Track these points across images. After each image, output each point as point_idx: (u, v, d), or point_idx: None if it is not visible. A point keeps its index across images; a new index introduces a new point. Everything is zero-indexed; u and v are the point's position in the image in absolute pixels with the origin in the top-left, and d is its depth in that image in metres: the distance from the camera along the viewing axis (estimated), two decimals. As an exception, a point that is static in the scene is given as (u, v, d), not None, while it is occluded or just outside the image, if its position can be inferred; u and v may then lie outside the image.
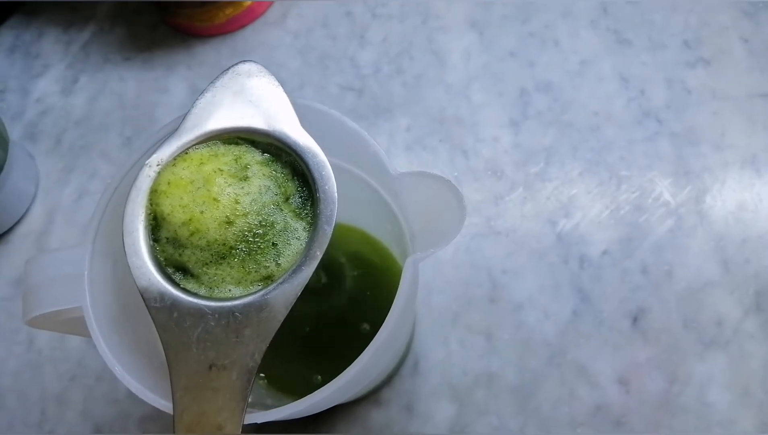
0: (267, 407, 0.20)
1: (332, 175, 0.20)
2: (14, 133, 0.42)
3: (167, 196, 0.20)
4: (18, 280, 0.39)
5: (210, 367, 0.18)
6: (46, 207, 0.40)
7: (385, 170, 0.21)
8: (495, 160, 0.38)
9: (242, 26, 0.43)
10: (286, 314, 0.19)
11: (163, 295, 0.19)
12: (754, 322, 0.33)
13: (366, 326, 0.32)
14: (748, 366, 0.32)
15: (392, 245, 0.32)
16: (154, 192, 0.20)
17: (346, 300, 0.33)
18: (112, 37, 0.45)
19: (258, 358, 0.19)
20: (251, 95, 0.21)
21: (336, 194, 0.20)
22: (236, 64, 0.22)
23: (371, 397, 0.33)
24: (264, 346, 0.19)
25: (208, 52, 0.43)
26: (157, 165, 0.20)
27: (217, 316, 0.19)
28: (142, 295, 0.19)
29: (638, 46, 0.40)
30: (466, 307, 0.35)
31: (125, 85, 0.43)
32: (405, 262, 0.20)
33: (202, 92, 0.21)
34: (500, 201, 0.37)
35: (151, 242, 0.20)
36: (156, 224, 0.20)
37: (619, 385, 0.32)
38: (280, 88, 0.21)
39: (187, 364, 0.18)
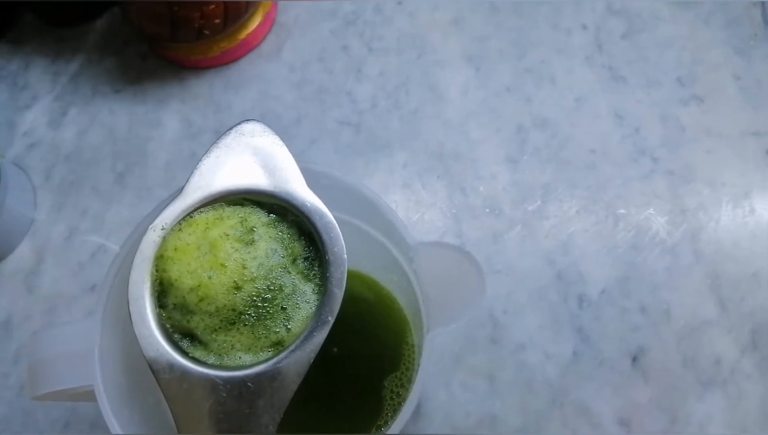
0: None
1: (341, 235, 0.20)
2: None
3: (174, 262, 0.20)
4: (6, 322, 0.37)
5: None
6: (36, 245, 0.39)
7: (402, 239, 0.21)
8: (493, 198, 0.38)
9: (236, 59, 0.42)
10: (299, 383, 0.19)
11: (172, 366, 0.19)
12: (750, 360, 0.33)
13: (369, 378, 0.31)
14: (745, 405, 0.32)
15: (398, 295, 0.32)
16: (159, 257, 0.20)
17: (349, 346, 0.33)
18: (101, 69, 0.44)
19: (273, 428, 0.19)
20: (255, 155, 0.21)
21: (345, 256, 0.20)
22: (239, 123, 0.21)
23: (375, 442, 0.33)
24: (278, 416, 0.19)
25: (201, 85, 0.42)
26: (162, 229, 0.20)
27: (228, 386, 0.19)
28: (150, 366, 0.19)
29: (633, 83, 0.40)
30: (467, 348, 0.35)
31: (116, 119, 0.42)
32: (425, 337, 0.20)
33: (205, 153, 0.21)
34: (499, 239, 0.37)
35: (157, 309, 0.20)
36: (162, 290, 0.20)
37: (621, 426, 0.33)
38: (285, 147, 0.21)
39: None
